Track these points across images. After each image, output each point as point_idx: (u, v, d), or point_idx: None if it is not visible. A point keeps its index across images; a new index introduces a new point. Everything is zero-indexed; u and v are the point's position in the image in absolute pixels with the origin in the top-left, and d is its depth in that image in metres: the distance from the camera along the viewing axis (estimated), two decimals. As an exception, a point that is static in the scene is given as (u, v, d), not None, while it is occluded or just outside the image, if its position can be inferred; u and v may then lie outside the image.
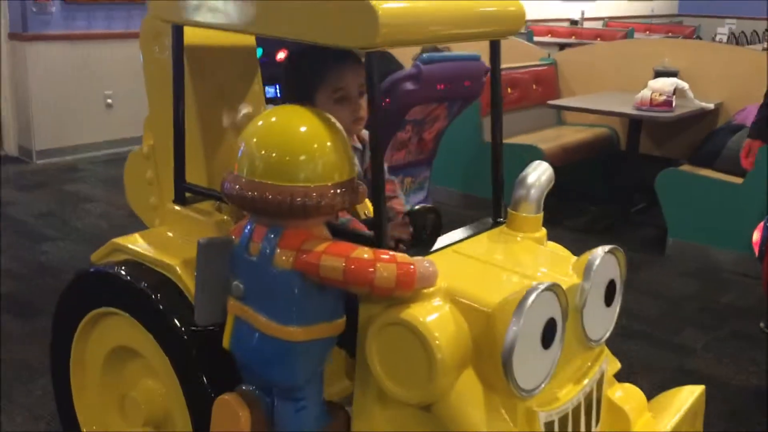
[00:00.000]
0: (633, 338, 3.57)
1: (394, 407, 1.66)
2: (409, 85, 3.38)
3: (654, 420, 1.88)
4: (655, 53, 5.71)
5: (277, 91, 4.01)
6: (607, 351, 1.89)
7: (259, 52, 2.36)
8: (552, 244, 1.94)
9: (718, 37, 9.34)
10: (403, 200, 2.03)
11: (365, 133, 2.09)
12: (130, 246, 2.07)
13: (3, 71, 6.34)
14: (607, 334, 1.81)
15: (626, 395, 1.88)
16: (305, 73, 1.96)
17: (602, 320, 1.77)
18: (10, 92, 6.38)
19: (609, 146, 5.76)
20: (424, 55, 3.59)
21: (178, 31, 1.93)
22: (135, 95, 6.34)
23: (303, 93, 1.94)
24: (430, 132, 3.79)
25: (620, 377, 2.01)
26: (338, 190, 1.57)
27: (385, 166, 1.96)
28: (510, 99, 5.55)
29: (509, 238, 1.89)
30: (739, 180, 4.36)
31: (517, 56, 6.05)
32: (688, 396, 1.97)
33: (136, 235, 2.14)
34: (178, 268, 1.92)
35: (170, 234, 2.08)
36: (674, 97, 4.94)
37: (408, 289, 1.53)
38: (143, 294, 1.93)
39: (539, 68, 5.93)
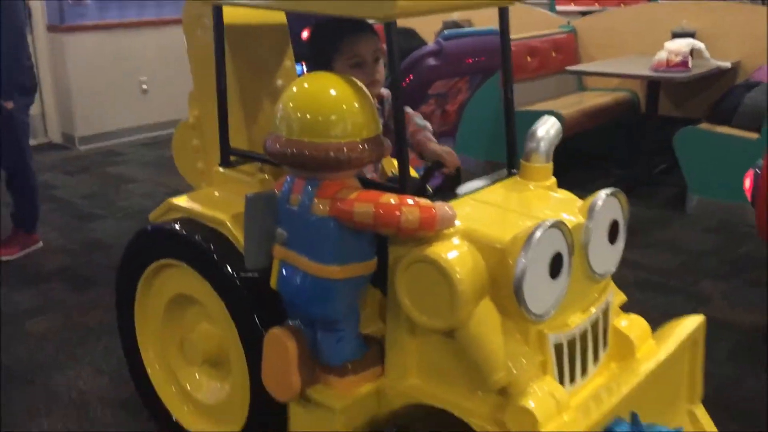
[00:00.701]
0: (652, 290, 3.74)
1: (422, 336, 1.88)
2: (431, 61, 3.51)
3: (656, 346, 2.07)
4: (674, 16, 5.76)
5: (303, 68, 4.21)
6: (612, 284, 2.09)
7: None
8: (562, 191, 2.13)
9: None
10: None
11: (384, 91, 2.30)
12: (183, 205, 2.31)
13: (43, 62, 6.61)
14: (612, 269, 2.00)
15: (631, 324, 2.07)
16: (324, 45, 2.19)
17: (607, 256, 1.97)
18: (51, 82, 6.67)
19: (630, 109, 5.86)
20: (446, 31, 3.74)
21: (217, 11, 2.15)
22: (168, 80, 6.65)
23: (324, 62, 2.17)
24: (452, 105, 3.93)
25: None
26: (366, 145, 1.78)
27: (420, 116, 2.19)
28: (529, 67, 5.69)
29: (522, 186, 2.09)
30: (755, 135, 4.47)
31: (536, 25, 6.17)
32: (689, 325, 2.14)
33: (189, 196, 2.37)
34: (228, 222, 2.15)
35: (218, 193, 2.31)
36: (690, 57, 5.04)
37: (430, 229, 1.74)
38: (198, 246, 2.17)
39: (558, 36, 6.04)
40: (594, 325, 1.95)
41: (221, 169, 2.31)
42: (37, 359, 3.17)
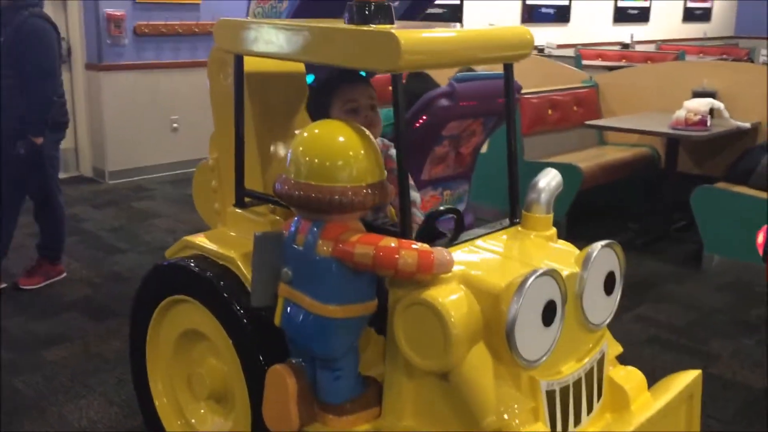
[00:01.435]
0: (660, 345, 3.75)
1: (419, 378, 1.93)
2: (444, 102, 3.58)
3: (652, 399, 2.10)
4: (696, 75, 5.84)
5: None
6: (608, 334, 2.13)
7: (310, 78, 2.70)
8: (562, 242, 2.19)
9: (761, 59, 9.38)
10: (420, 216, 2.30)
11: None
12: (197, 242, 2.41)
13: (79, 99, 6.85)
14: (608, 320, 2.05)
15: (627, 376, 2.11)
16: (323, 93, 2.35)
17: (603, 307, 2.02)
18: (85, 118, 6.88)
19: (650, 165, 5.92)
20: (458, 74, 3.83)
21: (239, 60, 2.27)
22: (199, 120, 6.81)
23: (322, 109, 2.31)
24: (467, 147, 3.99)
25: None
26: (370, 190, 1.87)
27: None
28: (550, 120, 5.79)
29: (523, 236, 2.15)
30: (771, 196, 4.50)
31: (560, 79, 6.29)
32: (685, 379, 2.18)
33: (203, 234, 2.48)
34: (237, 260, 2.24)
35: (231, 233, 2.41)
36: (710, 116, 5.09)
37: (427, 273, 1.80)
38: (209, 282, 2.25)
39: (580, 90, 6.15)
40: (588, 375, 1.99)
41: (235, 210, 2.40)
42: (51, 387, 3.24)
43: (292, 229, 1.96)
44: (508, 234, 2.18)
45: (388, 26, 1.91)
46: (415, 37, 1.83)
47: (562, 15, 11.12)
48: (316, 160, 1.87)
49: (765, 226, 3.16)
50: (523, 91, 5.06)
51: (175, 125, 7.04)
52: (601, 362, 2.04)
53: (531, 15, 10.62)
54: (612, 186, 5.71)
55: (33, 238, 4.58)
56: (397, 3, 2.92)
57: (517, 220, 2.23)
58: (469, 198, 4.08)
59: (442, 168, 3.82)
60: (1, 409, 3.04)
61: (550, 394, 1.88)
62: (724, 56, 10.21)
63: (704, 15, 13.97)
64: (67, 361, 3.48)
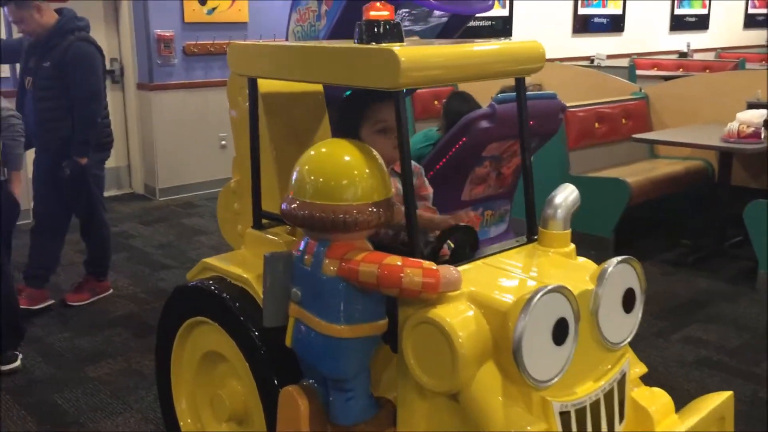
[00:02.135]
0: (709, 367, 3.61)
1: (431, 397, 1.89)
2: (484, 123, 3.54)
3: (679, 421, 2.01)
4: (750, 85, 5.67)
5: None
6: (630, 354, 2.05)
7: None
8: (582, 259, 2.13)
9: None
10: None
11: (415, 165, 2.37)
12: (216, 264, 2.42)
13: (132, 118, 7.03)
14: (629, 339, 1.97)
15: (652, 397, 2.03)
16: (352, 113, 2.30)
17: (622, 325, 1.95)
18: (137, 136, 7.05)
19: (703, 179, 5.74)
20: (499, 95, 3.79)
21: (252, 83, 2.28)
22: (247, 137, 6.90)
23: (351, 129, 2.27)
24: (508, 167, 3.94)
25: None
26: (375, 208, 1.85)
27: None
28: (598, 133, 5.67)
29: (539, 253, 2.10)
30: (828, 210, 4.31)
31: (610, 91, 6.16)
32: (715, 400, 2.08)
33: (222, 256, 2.50)
34: (253, 281, 2.25)
35: (249, 254, 2.41)
36: (764, 129, 4.92)
37: (433, 291, 1.77)
38: (225, 303, 2.26)
39: (629, 102, 6.01)
40: (608, 396, 1.92)
41: (254, 231, 2.41)
42: (91, 404, 3.30)
43: (301, 248, 1.96)
44: (524, 251, 2.13)
45: (394, 44, 1.89)
46: (416, 53, 1.81)
47: (616, 24, 10.92)
48: (321, 179, 1.86)
49: None
50: (569, 104, 4.98)
51: (223, 142, 7.13)
52: (622, 383, 1.97)
53: (584, 25, 10.46)
54: (663, 201, 5.55)
55: (82, 255, 4.68)
56: (418, 27, 2.90)
57: (535, 237, 2.18)
58: (510, 217, 4.01)
59: (483, 188, 3.77)
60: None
61: (565, 416, 1.81)
62: (789, 64, 9.88)
63: (767, 21, 13.55)
64: (108, 377, 3.54)
